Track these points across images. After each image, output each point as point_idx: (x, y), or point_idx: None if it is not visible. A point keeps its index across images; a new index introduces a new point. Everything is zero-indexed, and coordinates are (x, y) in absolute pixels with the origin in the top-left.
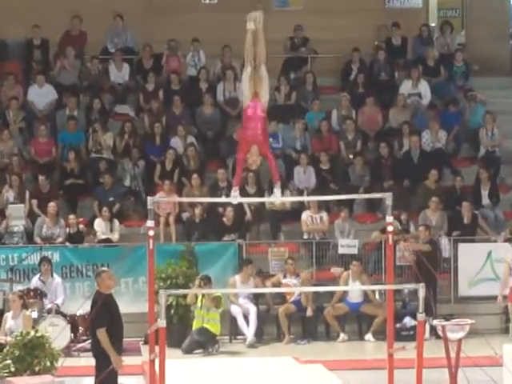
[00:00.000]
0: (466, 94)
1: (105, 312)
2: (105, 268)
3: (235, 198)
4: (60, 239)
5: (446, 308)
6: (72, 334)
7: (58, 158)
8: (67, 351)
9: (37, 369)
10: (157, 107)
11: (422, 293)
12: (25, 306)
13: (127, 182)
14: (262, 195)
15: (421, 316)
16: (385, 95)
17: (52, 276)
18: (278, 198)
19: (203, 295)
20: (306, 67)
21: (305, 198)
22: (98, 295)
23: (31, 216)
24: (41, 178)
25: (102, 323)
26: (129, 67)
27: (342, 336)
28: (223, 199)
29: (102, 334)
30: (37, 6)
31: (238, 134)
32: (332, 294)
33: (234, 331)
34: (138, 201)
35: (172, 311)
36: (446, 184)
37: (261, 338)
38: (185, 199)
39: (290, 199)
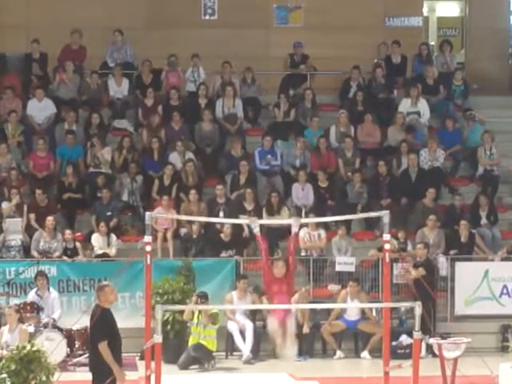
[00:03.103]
0: (464, 112)
1: (105, 326)
2: (107, 282)
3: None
4: (57, 253)
5: (443, 326)
6: (68, 349)
7: (57, 173)
8: (63, 366)
9: (33, 383)
10: (156, 122)
11: (418, 311)
12: (21, 320)
13: (125, 197)
14: (260, 211)
15: (417, 334)
16: (383, 113)
17: (49, 290)
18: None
19: (200, 312)
20: (305, 84)
21: (312, 220)
22: (98, 309)
23: (29, 230)
24: (38, 192)
25: (103, 337)
26: (128, 82)
27: (339, 353)
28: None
29: (103, 347)
30: (36, 21)
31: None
32: (328, 311)
33: (230, 347)
34: (136, 216)
35: (168, 327)
36: (443, 202)
37: (257, 354)
38: (184, 217)
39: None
